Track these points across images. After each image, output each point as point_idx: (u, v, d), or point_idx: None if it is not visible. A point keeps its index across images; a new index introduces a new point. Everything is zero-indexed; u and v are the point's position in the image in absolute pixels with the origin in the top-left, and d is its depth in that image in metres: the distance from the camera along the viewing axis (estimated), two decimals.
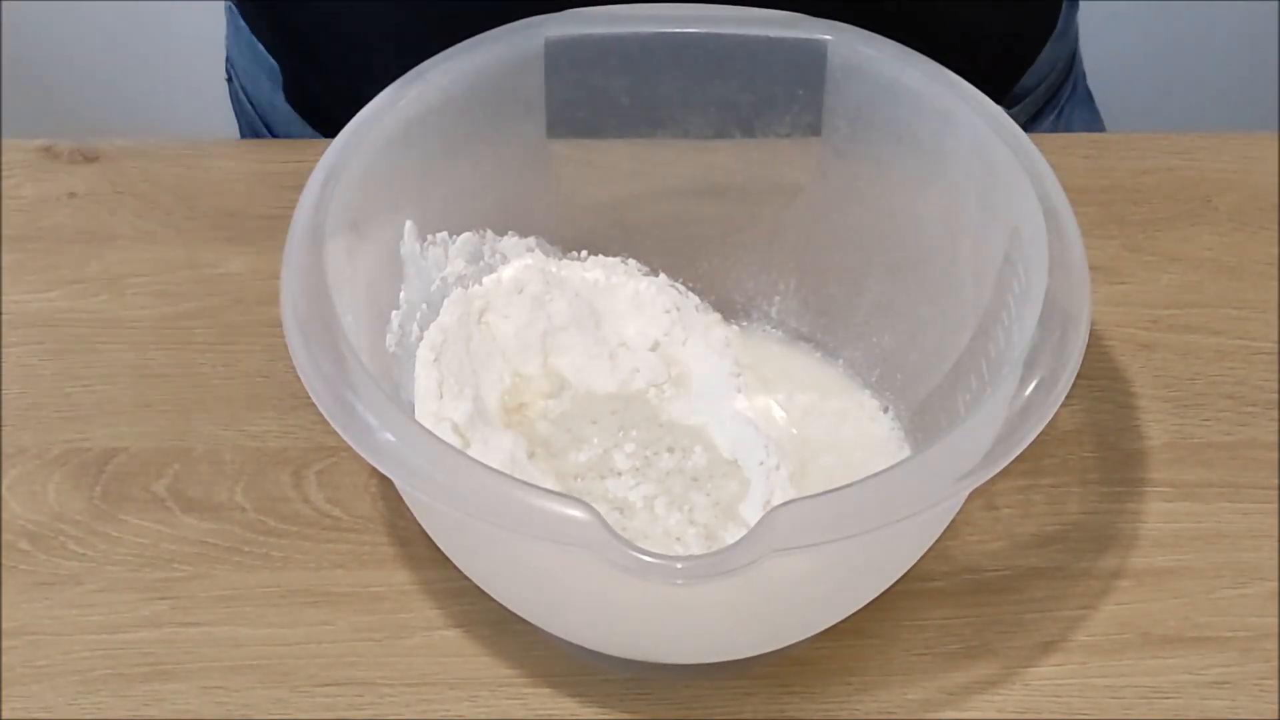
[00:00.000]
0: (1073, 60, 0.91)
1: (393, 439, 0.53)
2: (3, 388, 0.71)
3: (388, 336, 0.62)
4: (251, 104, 0.90)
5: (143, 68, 1.57)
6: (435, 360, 0.63)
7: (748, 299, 0.70)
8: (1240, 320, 0.73)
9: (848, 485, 0.54)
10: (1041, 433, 0.54)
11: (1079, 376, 0.55)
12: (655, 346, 0.68)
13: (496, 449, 0.62)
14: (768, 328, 0.70)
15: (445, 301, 0.65)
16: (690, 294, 0.69)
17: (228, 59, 0.92)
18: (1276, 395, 0.71)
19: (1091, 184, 0.78)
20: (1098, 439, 0.69)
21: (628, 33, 0.65)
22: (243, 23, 0.88)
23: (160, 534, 0.66)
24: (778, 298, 0.70)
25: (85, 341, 0.72)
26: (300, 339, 0.55)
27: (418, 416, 0.62)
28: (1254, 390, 0.71)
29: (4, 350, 0.72)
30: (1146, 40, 1.52)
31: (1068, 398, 0.55)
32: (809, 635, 0.61)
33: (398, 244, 0.63)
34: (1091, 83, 0.95)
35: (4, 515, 0.67)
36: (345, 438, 0.53)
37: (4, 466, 0.68)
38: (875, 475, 0.53)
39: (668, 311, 0.68)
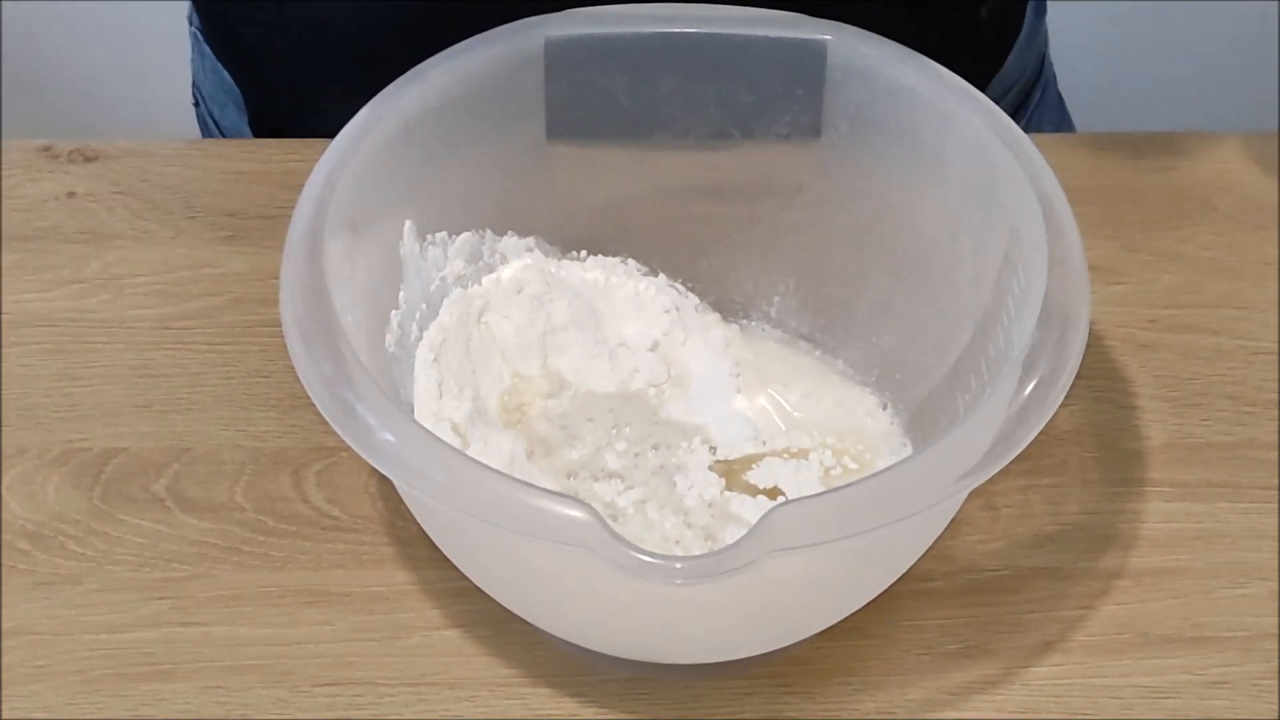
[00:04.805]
0: (1042, 65, 0.91)
1: (392, 439, 0.53)
2: (3, 388, 0.71)
3: (387, 336, 0.62)
4: (220, 129, 0.90)
5: (142, 68, 1.57)
6: (435, 360, 0.63)
7: (747, 299, 0.70)
8: (1240, 320, 0.73)
9: (847, 485, 0.54)
10: (1041, 433, 0.54)
11: (1079, 376, 0.55)
12: (654, 346, 0.68)
13: (496, 449, 0.62)
14: (767, 327, 0.70)
15: (445, 301, 0.65)
16: (690, 294, 0.69)
17: (194, 84, 0.92)
18: (1276, 395, 0.71)
19: (1091, 184, 0.78)
20: (1097, 439, 0.69)
21: (627, 32, 0.65)
22: (207, 49, 0.88)
23: (160, 534, 0.66)
24: (777, 298, 0.70)
25: (85, 341, 0.72)
26: (299, 339, 0.55)
27: (417, 416, 0.62)
28: (1254, 390, 0.71)
29: (4, 350, 0.72)
30: (1147, 40, 1.52)
31: (1067, 398, 0.55)
32: (809, 635, 0.61)
33: (397, 244, 0.63)
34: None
35: (4, 515, 0.67)
36: (345, 438, 0.53)
37: (4, 466, 0.68)
38: (874, 475, 0.53)
39: (667, 311, 0.68)
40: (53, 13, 1.51)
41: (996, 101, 0.85)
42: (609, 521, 0.51)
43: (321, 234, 0.58)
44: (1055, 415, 0.54)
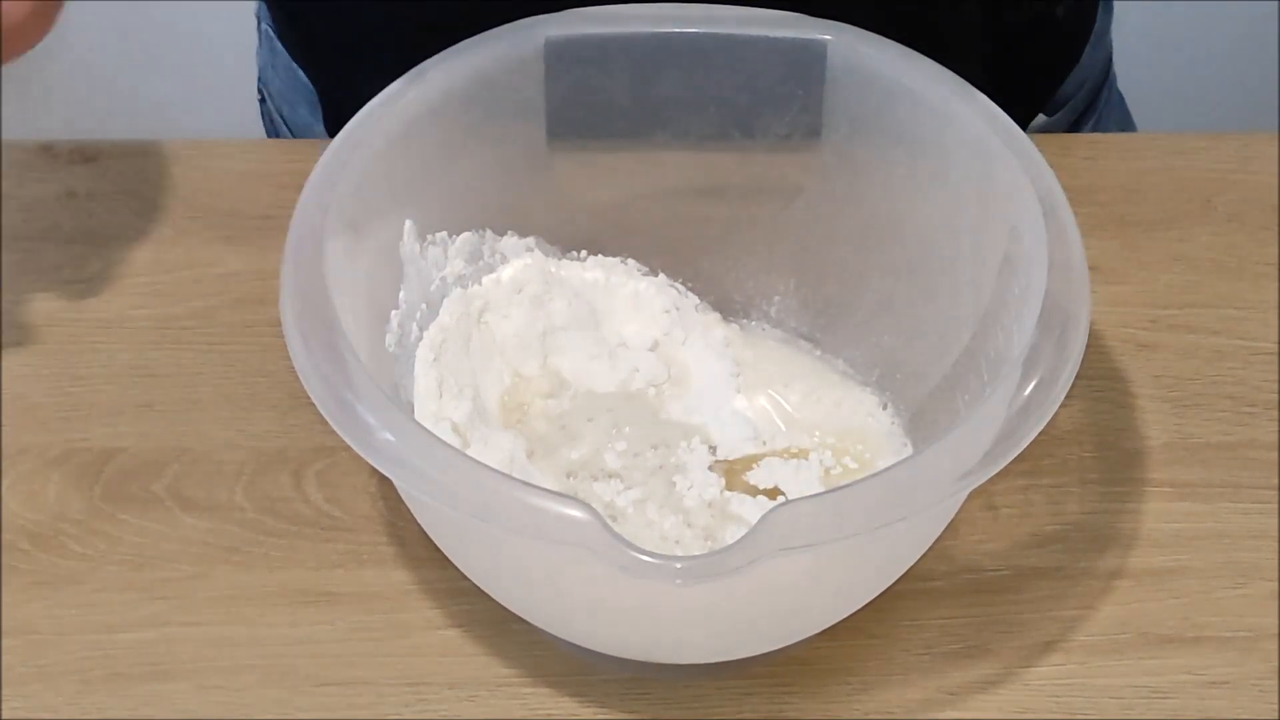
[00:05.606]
0: (1109, 65, 0.91)
1: (392, 439, 0.53)
2: (3, 388, 0.71)
3: (387, 336, 0.62)
4: (289, 127, 0.90)
5: (143, 67, 1.57)
6: (435, 360, 0.63)
7: (747, 299, 0.70)
8: (1240, 320, 0.73)
9: (847, 485, 0.54)
10: (1041, 433, 0.54)
11: (1079, 376, 0.55)
12: (654, 346, 0.68)
13: (496, 449, 0.62)
14: (767, 327, 0.70)
15: (445, 301, 0.65)
16: (690, 294, 0.69)
17: (260, 80, 0.92)
18: (1276, 395, 0.71)
19: (1091, 184, 0.78)
20: (1098, 439, 0.69)
21: (627, 32, 0.65)
22: (280, 45, 0.87)
23: (160, 534, 0.66)
24: (777, 297, 0.70)
25: (85, 341, 0.72)
26: (299, 339, 0.55)
27: (417, 416, 0.62)
28: (1254, 390, 0.71)
29: (4, 350, 0.72)
30: (1146, 40, 1.52)
31: (1068, 398, 0.55)
32: (809, 635, 0.61)
33: (397, 244, 0.63)
34: None
35: (4, 515, 0.67)
36: (345, 438, 0.53)
37: (4, 466, 0.68)
38: (874, 475, 0.53)
39: (667, 311, 0.68)
40: None
41: (1069, 98, 0.86)
42: (609, 521, 0.51)
43: (321, 234, 0.58)
44: (1055, 415, 0.54)
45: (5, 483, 0.68)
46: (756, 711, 0.62)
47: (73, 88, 1.57)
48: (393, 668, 0.63)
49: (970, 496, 0.55)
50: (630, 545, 0.51)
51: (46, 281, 0.74)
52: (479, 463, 0.53)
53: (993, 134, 0.61)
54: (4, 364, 0.71)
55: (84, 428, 0.69)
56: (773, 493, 0.64)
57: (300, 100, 0.87)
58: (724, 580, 0.51)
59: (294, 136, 0.89)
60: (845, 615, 0.60)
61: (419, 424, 0.55)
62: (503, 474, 0.53)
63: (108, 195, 0.78)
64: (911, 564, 0.60)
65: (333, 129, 0.87)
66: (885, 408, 0.67)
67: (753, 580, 0.52)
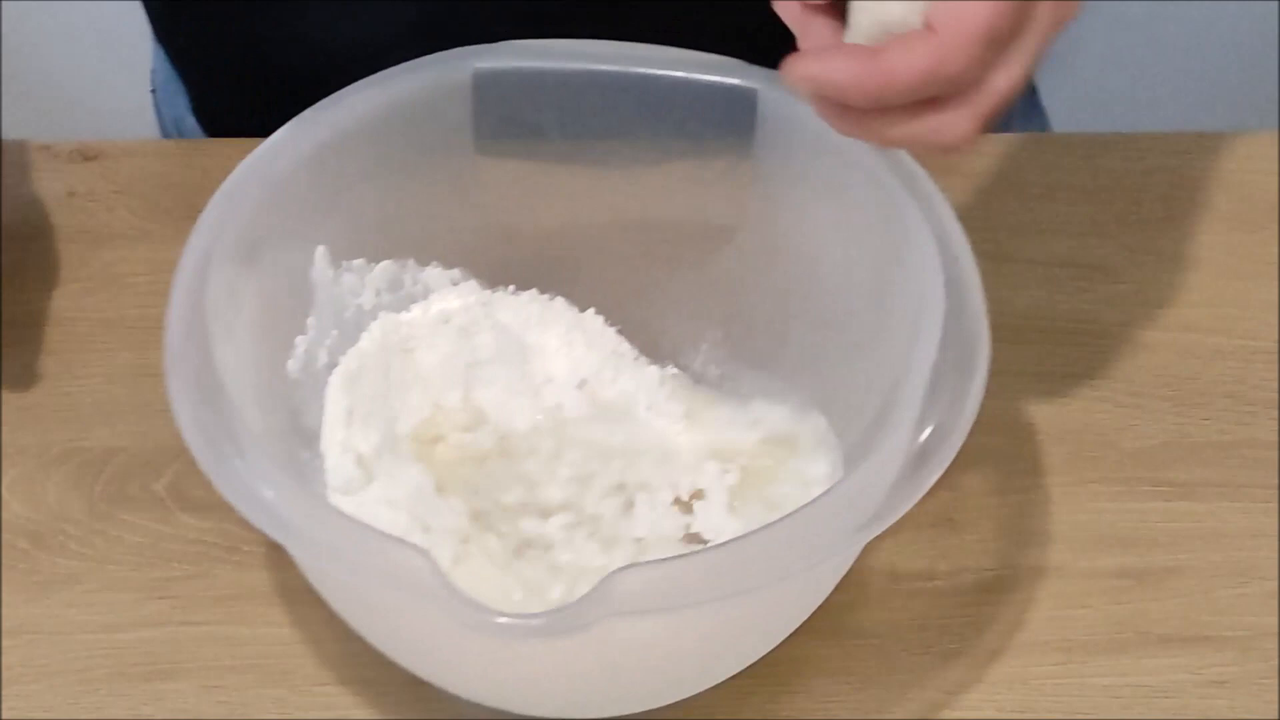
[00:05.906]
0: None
1: (242, 473, 0.52)
2: (3, 388, 0.70)
3: (290, 362, 0.62)
4: (165, 116, 0.89)
5: (142, 68, 1.57)
6: (347, 387, 0.63)
7: (674, 346, 0.68)
8: (1240, 320, 0.73)
9: (698, 551, 0.53)
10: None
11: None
12: (583, 384, 0.66)
13: (403, 482, 0.61)
14: (697, 369, 0.68)
15: (371, 326, 0.65)
16: (620, 338, 0.68)
17: (153, 70, 0.92)
18: (1276, 395, 0.71)
19: (1091, 184, 0.78)
20: (1098, 438, 0.69)
21: (559, 68, 0.63)
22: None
23: (160, 533, 0.66)
24: (705, 345, 0.68)
25: (85, 341, 0.72)
26: (174, 366, 0.55)
27: (323, 444, 0.61)
28: (1253, 390, 0.71)
29: (4, 350, 0.72)
30: (1147, 40, 1.52)
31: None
32: (697, 691, 0.59)
33: (308, 269, 0.63)
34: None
35: (4, 515, 0.67)
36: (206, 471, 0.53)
37: (4, 466, 0.68)
38: (731, 541, 0.53)
39: (597, 348, 0.67)
40: (53, 13, 1.51)
41: None
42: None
43: (213, 261, 0.57)
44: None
45: (5, 483, 0.68)
46: (756, 711, 0.62)
47: (73, 88, 1.57)
48: (393, 668, 0.63)
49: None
50: (461, 596, 0.49)
51: (46, 281, 0.74)
52: (329, 505, 0.52)
53: (894, 177, 0.59)
54: (4, 364, 0.71)
55: (84, 428, 0.69)
56: (693, 537, 0.63)
57: (176, 89, 0.87)
58: (562, 640, 0.50)
59: (169, 125, 0.89)
60: (733, 672, 0.59)
61: (269, 461, 0.53)
62: (348, 517, 0.52)
63: (106, 195, 0.78)
64: (805, 616, 0.58)
65: (204, 121, 0.86)
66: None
67: (601, 640, 0.50)
